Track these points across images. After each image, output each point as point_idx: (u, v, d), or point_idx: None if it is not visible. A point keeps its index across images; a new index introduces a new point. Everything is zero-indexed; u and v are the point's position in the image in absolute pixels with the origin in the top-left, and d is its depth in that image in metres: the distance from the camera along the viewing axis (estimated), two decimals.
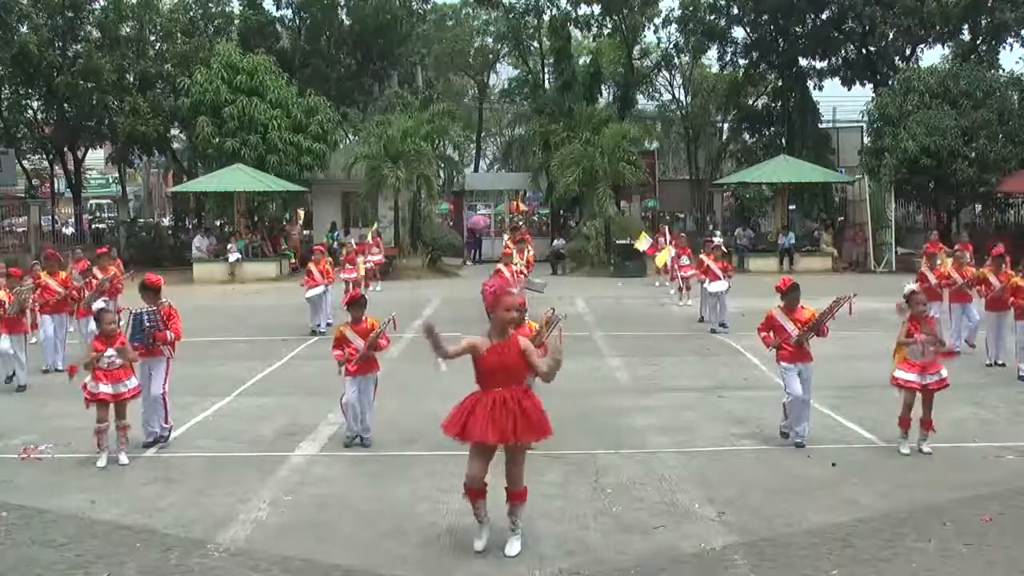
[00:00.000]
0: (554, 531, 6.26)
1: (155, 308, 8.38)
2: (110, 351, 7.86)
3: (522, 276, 16.04)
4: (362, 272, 19.17)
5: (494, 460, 5.93)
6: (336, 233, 29.00)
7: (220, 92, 26.68)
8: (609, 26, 34.93)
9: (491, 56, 43.43)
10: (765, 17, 32.41)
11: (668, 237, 22.97)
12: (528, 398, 5.83)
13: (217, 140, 26.75)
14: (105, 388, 7.81)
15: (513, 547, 5.84)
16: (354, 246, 20.30)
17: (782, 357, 8.22)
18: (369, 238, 22.99)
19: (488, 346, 5.75)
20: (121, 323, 8.47)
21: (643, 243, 22.80)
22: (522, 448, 5.87)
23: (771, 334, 8.24)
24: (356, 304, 8.40)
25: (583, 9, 34.33)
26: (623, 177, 27.64)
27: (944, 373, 7.92)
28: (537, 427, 5.79)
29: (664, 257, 21.58)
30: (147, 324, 8.23)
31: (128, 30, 30.67)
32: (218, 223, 31.83)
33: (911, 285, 8.58)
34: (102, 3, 30.09)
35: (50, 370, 11.89)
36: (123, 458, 7.84)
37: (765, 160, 31.03)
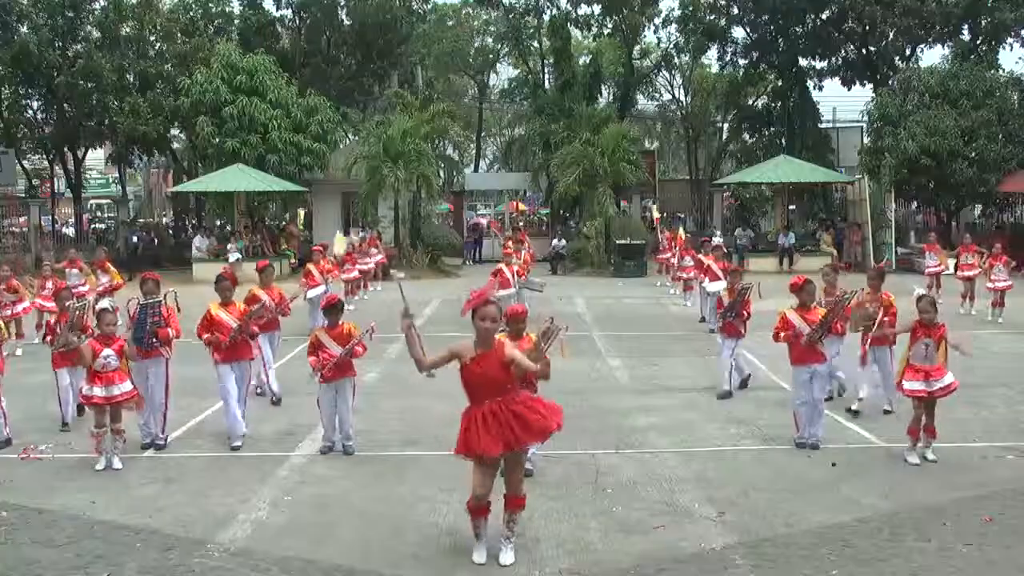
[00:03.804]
0: (554, 531, 6.25)
1: (159, 300, 8.35)
2: (107, 351, 7.78)
3: (523, 275, 16.10)
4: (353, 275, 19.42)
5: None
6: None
7: (220, 92, 26.67)
8: (609, 26, 34.98)
9: (491, 56, 43.38)
10: (765, 17, 32.43)
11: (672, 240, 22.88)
12: (518, 403, 5.59)
13: (217, 140, 26.75)
14: (98, 391, 7.72)
15: (507, 556, 5.73)
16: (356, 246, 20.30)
17: (794, 359, 8.18)
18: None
19: (472, 355, 5.53)
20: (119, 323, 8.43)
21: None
22: (521, 454, 5.81)
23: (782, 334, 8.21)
24: (332, 309, 8.15)
25: (583, 9, 34.45)
26: (623, 177, 27.66)
27: (949, 379, 7.62)
28: (536, 429, 5.62)
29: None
30: (151, 320, 8.17)
31: (128, 30, 30.61)
32: (218, 223, 31.81)
33: (920, 289, 8.54)
34: (102, 3, 30.06)
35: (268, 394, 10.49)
36: (117, 462, 7.75)
37: (765, 160, 31.04)
